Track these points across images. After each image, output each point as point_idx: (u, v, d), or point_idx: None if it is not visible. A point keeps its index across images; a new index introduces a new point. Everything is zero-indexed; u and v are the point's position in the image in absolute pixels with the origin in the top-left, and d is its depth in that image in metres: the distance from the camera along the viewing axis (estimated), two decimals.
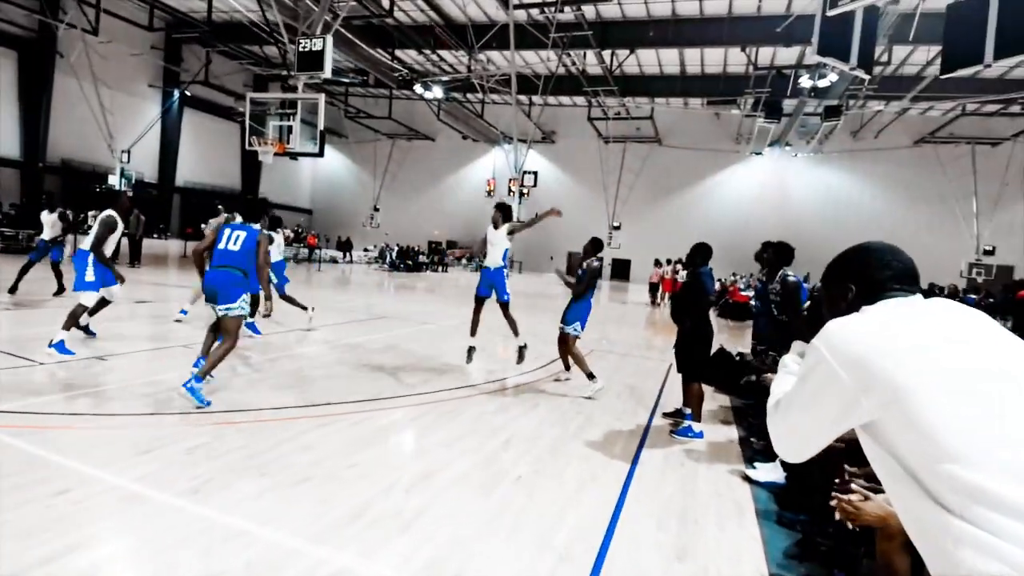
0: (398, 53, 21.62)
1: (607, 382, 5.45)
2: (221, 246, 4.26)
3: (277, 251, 7.11)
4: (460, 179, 35.09)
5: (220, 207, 7.15)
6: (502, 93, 25.36)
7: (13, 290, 7.86)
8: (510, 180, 21.53)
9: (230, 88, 25.11)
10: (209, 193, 27.68)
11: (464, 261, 31.41)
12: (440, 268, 27.65)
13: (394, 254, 25.96)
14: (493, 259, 5.82)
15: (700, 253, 4.51)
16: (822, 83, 15.64)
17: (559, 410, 4.66)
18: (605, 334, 9.36)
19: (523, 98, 25.69)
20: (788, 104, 20.05)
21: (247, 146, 10.97)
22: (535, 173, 23.28)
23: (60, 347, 4.98)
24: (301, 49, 10.08)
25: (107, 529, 2.28)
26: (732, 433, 4.52)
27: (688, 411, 4.45)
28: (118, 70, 22.72)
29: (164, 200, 26.44)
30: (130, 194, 18.97)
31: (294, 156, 10.64)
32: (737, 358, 6.17)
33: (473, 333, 5.95)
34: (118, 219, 5.39)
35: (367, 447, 3.47)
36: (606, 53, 19.79)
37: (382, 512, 2.64)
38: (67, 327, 5.10)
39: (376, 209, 33.57)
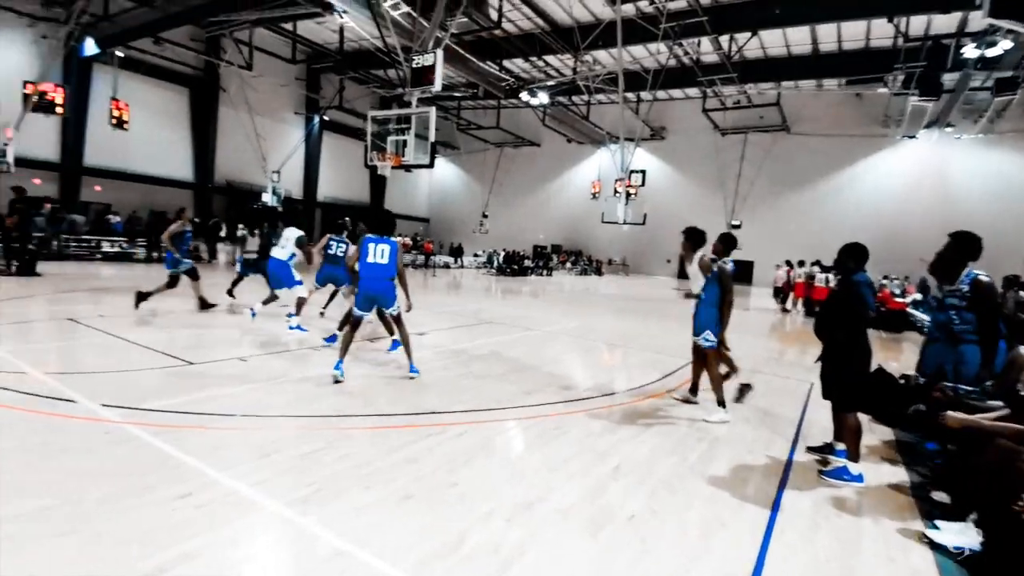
0: (505, 63, 21.96)
1: (731, 402, 4.81)
2: (370, 259, 4.95)
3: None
4: (565, 182, 34.89)
5: (347, 220, 8.06)
6: (608, 92, 24.69)
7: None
8: (616, 181, 20.73)
9: (360, 111, 27.42)
10: (343, 207, 30.47)
11: (568, 265, 31.13)
12: (545, 272, 27.62)
13: (501, 258, 26.40)
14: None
15: (852, 255, 3.74)
16: (992, 52, 13.09)
17: (675, 435, 4.15)
18: (727, 345, 8.46)
19: (630, 95, 24.74)
20: (949, 79, 16.95)
21: (368, 162, 11.67)
22: (643, 172, 22.19)
23: (299, 328, 6.87)
24: (414, 66, 10.48)
25: (220, 540, 2.32)
26: (900, 476, 3.69)
27: (841, 447, 3.72)
28: (268, 100, 26.30)
29: (308, 214, 29.62)
30: (277, 209, 22.43)
31: (408, 168, 11.11)
32: (901, 381, 5.17)
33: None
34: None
35: (469, 463, 3.31)
36: (723, 39, 18.30)
37: (481, 544, 2.43)
38: (297, 313, 6.98)
39: (485, 216, 34.54)
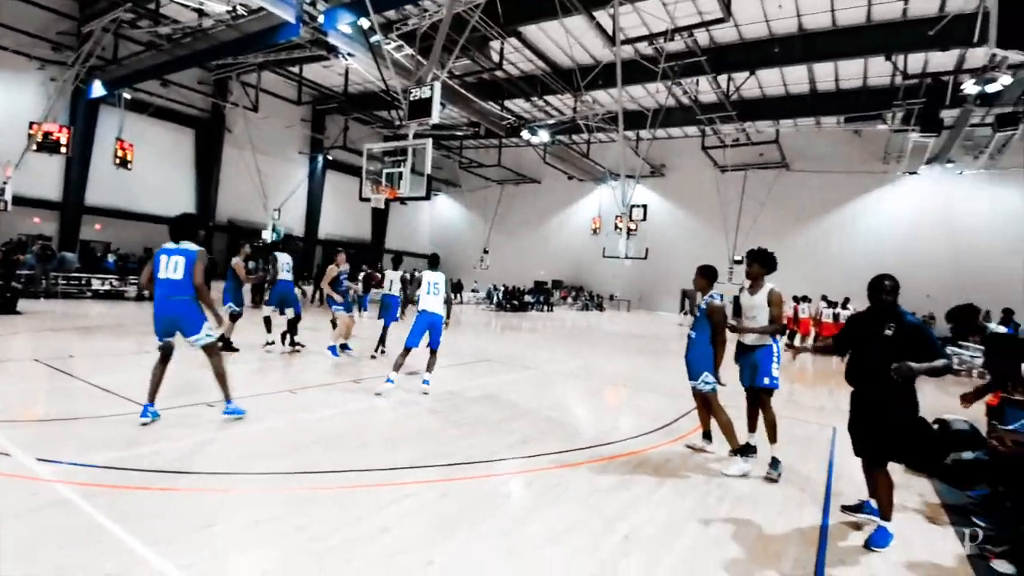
0: (507, 103, 22.27)
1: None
2: (161, 274, 4.18)
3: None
4: (565, 219, 35.00)
5: (340, 250, 8.77)
6: (608, 131, 24.94)
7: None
8: (616, 217, 20.60)
9: (362, 150, 27.86)
10: (345, 243, 30.45)
11: (570, 300, 30.76)
12: (545, 307, 27.20)
13: (500, 294, 26.05)
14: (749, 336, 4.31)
15: (891, 291, 3.36)
16: (991, 88, 13.11)
17: (694, 492, 3.65)
18: (736, 388, 7.97)
19: (630, 133, 24.96)
20: (948, 115, 17.03)
21: (362, 195, 11.52)
22: (644, 207, 22.06)
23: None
24: (412, 99, 10.45)
25: None
26: (947, 541, 3.17)
27: (875, 503, 3.24)
28: (273, 140, 26.70)
29: (309, 250, 29.50)
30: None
31: (403, 201, 10.96)
32: (935, 427, 4.71)
33: (751, 428, 4.42)
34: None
35: (453, 534, 2.83)
36: (722, 78, 18.52)
37: None
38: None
39: (486, 251, 34.49)
